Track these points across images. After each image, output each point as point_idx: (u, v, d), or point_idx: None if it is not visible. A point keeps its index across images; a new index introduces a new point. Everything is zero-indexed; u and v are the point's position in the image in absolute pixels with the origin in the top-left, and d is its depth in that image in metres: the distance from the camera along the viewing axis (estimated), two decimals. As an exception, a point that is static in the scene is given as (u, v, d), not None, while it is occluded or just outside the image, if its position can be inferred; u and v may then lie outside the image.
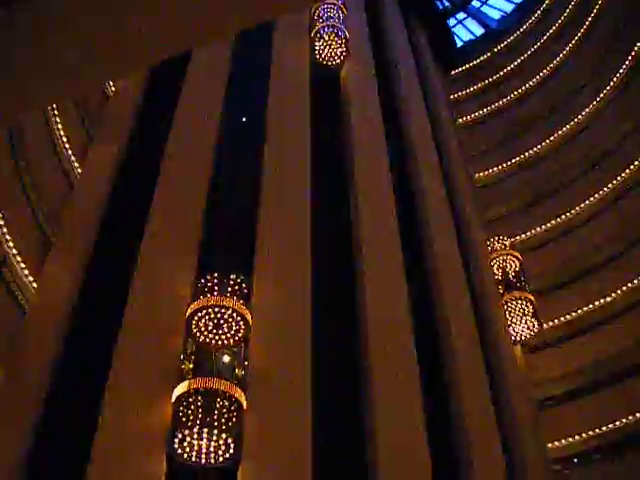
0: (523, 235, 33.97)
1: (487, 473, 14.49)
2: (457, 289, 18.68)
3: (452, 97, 40.16)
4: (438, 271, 18.22)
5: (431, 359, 16.09)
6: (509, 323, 21.54)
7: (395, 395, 13.79)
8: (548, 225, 34.59)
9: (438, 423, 14.59)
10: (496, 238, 23.68)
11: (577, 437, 27.47)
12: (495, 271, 22.69)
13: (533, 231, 34.60)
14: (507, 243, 23.47)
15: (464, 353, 16.79)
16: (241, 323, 12.43)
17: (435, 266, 18.36)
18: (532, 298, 21.88)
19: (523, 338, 21.85)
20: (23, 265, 15.54)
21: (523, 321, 21.60)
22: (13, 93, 5.50)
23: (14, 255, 15.41)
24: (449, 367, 16.13)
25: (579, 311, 30.59)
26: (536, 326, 21.77)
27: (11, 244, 15.35)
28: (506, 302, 21.79)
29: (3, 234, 15.29)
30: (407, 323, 15.48)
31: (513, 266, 22.84)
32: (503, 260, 22.90)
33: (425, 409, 13.89)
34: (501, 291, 22.29)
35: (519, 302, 21.69)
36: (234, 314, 12.38)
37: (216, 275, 12.87)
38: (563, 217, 34.40)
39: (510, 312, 21.64)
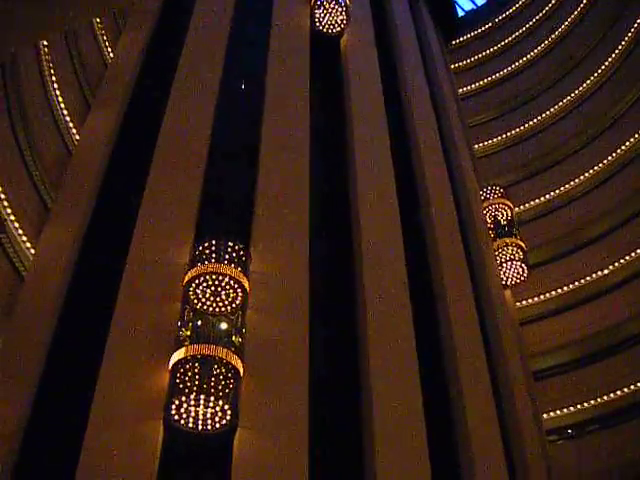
0: (522, 207, 33.95)
1: (480, 432, 14.69)
2: (451, 238, 18.93)
3: (453, 67, 39.92)
4: (433, 226, 18.39)
5: (428, 319, 16.25)
6: (500, 268, 22.29)
7: (393, 362, 13.86)
8: (546, 197, 34.58)
9: (434, 380, 14.82)
10: (489, 188, 24.04)
11: (572, 408, 27.66)
12: (487, 219, 23.30)
13: (532, 202, 34.59)
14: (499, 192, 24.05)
15: (456, 297, 17.10)
16: (239, 290, 12.46)
17: (430, 222, 18.51)
18: (522, 244, 22.60)
19: (513, 282, 22.66)
20: (21, 231, 15.51)
21: (513, 266, 22.30)
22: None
23: (12, 221, 15.37)
24: (445, 330, 16.24)
25: (577, 283, 30.67)
26: (525, 270, 22.51)
27: (9, 210, 15.30)
28: (497, 248, 22.43)
29: (0, 200, 15.24)
30: (404, 285, 15.55)
31: (505, 214, 23.35)
32: (495, 209, 23.35)
33: (421, 373, 14.01)
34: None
35: (510, 248, 22.27)
36: (232, 281, 12.41)
37: (214, 242, 12.87)
38: (558, 191, 34.40)
39: (501, 257, 22.34)
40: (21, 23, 5.57)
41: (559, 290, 30.91)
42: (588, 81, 37.01)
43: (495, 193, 23.79)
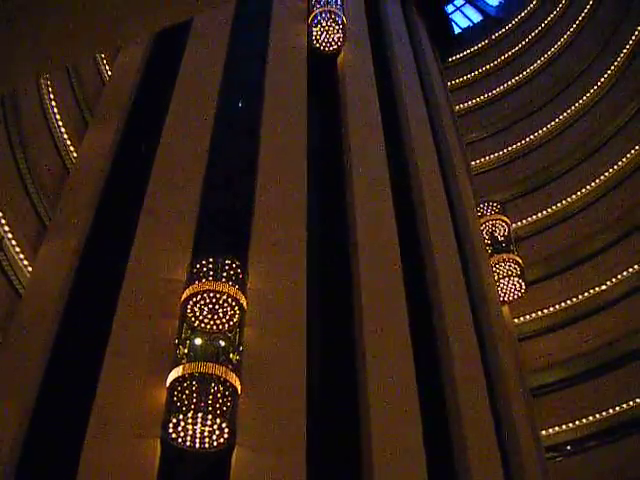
0: (519, 223, 33.96)
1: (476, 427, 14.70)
2: (448, 254, 18.96)
3: (450, 84, 40.05)
4: (430, 241, 18.42)
5: (426, 335, 16.22)
6: (497, 284, 22.27)
7: (391, 379, 13.83)
8: (544, 213, 34.60)
9: (432, 397, 14.78)
10: (486, 204, 23.99)
11: (571, 425, 27.57)
12: (484, 235, 23.26)
13: (529, 219, 34.61)
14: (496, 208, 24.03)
15: (454, 312, 17.13)
16: (236, 308, 12.46)
17: (428, 238, 18.54)
18: (519, 260, 22.60)
19: (510, 298, 22.62)
20: (18, 249, 15.50)
21: (510, 282, 22.27)
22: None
23: (9, 239, 15.36)
24: (442, 346, 16.20)
25: (574, 299, 30.66)
26: (523, 286, 22.49)
27: (7, 228, 15.30)
28: (494, 264, 22.41)
29: (-2, 217, 15.25)
30: (401, 302, 15.54)
31: (502, 230, 23.34)
32: (492, 224, 23.29)
33: (419, 388, 13.99)
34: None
35: (507, 264, 22.25)
36: (229, 299, 12.40)
37: (211, 260, 12.87)
38: (555, 207, 34.42)
39: (498, 273, 22.33)
40: (21, 59, 5.60)
41: (556, 306, 30.88)
42: (584, 97, 37.11)
43: (492, 209, 23.80)
